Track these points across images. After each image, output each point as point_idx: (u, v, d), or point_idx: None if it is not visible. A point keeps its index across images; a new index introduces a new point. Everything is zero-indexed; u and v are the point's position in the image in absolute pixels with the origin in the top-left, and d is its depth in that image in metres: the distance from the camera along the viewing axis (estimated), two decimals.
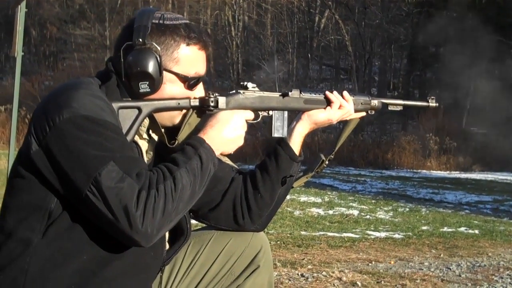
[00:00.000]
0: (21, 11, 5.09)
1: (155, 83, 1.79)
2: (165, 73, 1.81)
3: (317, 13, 29.97)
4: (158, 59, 1.77)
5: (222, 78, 31.30)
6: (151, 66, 1.76)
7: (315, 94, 2.05)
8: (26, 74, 25.56)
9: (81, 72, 26.41)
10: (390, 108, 2.17)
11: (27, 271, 1.66)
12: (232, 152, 1.88)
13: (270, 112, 2.00)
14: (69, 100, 1.64)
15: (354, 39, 27.78)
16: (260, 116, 1.98)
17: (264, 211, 2.08)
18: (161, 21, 1.81)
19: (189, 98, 1.86)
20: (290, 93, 2.00)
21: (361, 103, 2.11)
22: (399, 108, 2.18)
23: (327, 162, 2.13)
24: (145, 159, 1.86)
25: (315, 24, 29.65)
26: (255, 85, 1.96)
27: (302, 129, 2.07)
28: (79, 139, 1.61)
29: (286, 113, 2.01)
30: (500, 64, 26.98)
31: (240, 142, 1.89)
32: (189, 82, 1.85)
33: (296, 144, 2.06)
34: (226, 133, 1.84)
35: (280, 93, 2.00)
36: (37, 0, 31.57)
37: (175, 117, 1.88)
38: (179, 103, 1.85)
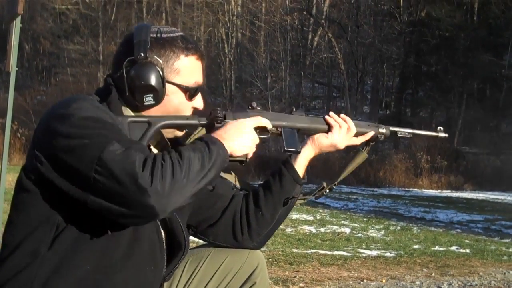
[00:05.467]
0: (16, 26, 5.09)
1: (159, 95, 1.82)
2: (167, 85, 1.84)
3: (310, 31, 30.11)
4: (160, 72, 1.82)
5: (215, 95, 31.31)
6: (154, 79, 1.80)
7: (317, 116, 2.09)
8: (19, 89, 25.48)
9: (74, 87, 26.37)
10: (400, 135, 2.20)
11: (33, 281, 1.69)
12: (242, 156, 1.83)
13: (279, 129, 2.00)
14: (71, 109, 1.69)
15: (347, 57, 27.90)
16: (269, 133, 1.97)
17: (264, 229, 2.11)
18: (159, 35, 1.85)
19: (197, 115, 1.90)
20: (296, 112, 2.04)
21: (368, 125, 2.16)
22: (409, 135, 2.21)
23: (327, 190, 2.15)
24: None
25: (308, 42, 29.77)
26: (260, 108, 1.98)
27: (307, 153, 2.12)
28: (80, 135, 1.64)
29: (296, 130, 2.03)
30: (491, 84, 27.17)
31: (250, 145, 1.84)
32: (190, 92, 1.89)
33: (301, 166, 2.10)
34: (236, 134, 1.82)
35: (286, 112, 2.03)
36: (30, 14, 31.60)
37: (178, 129, 1.91)
38: (187, 119, 1.89)
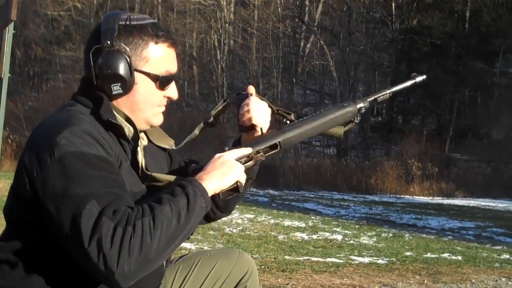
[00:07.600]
0: (9, 32, 5.10)
1: (127, 84, 1.77)
2: (136, 73, 1.79)
3: (302, 38, 30.19)
4: (128, 59, 1.76)
5: (206, 102, 31.35)
6: (121, 68, 1.75)
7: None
8: (10, 95, 25.28)
9: (66, 93, 26.28)
10: (380, 99, 2.09)
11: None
12: (233, 185, 1.77)
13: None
14: (60, 139, 1.62)
15: (339, 64, 27.98)
16: (253, 160, 1.86)
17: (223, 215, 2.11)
18: (127, 22, 1.79)
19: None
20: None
21: (350, 114, 2.06)
22: (389, 96, 2.10)
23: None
24: (141, 155, 1.83)
25: (300, 49, 29.85)
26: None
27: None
28: (65, 178, 1.59)
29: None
30: (482, 91, 27.30)
31: (237, 175, 1.77)
32: (161, 81, 1.82)
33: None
34: (218, 168, 1.76)
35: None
36: (22, 20, 31.54)
37: (151, 118, 1.86)
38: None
